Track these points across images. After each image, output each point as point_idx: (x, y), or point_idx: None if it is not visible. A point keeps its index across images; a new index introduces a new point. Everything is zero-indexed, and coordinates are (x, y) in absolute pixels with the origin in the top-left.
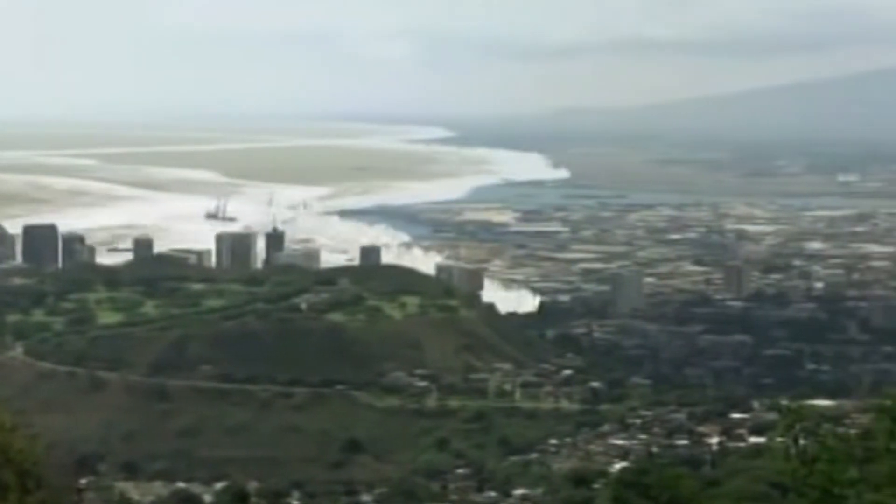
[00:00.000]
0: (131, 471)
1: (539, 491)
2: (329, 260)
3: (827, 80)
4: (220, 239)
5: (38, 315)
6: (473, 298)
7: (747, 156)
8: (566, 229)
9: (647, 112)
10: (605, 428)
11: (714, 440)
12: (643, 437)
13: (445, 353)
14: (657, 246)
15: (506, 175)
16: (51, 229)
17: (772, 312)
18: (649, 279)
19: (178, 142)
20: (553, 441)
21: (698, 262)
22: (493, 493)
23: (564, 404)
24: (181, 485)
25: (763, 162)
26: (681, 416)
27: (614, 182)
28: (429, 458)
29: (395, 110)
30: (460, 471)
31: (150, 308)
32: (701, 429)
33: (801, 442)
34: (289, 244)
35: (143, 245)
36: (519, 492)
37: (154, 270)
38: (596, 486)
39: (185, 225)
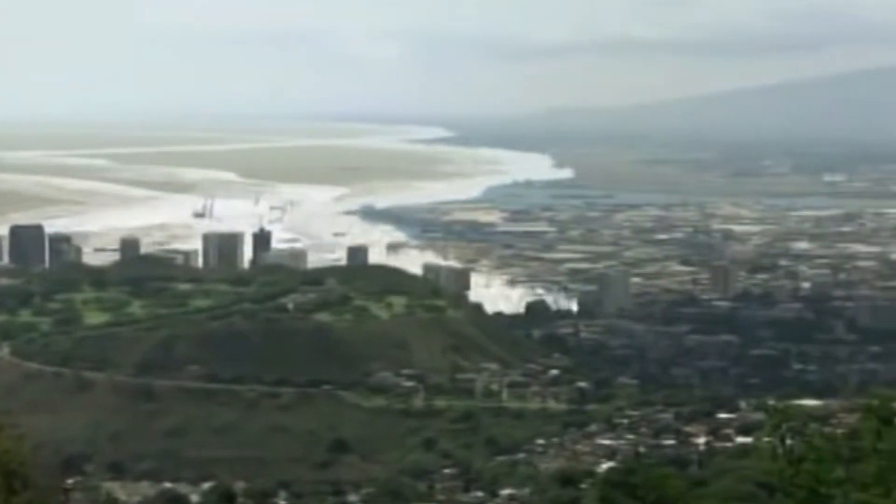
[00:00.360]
0: (118, 471)
1: (526, 491)
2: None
3: (813, 81)
4: (206, 239)
5: (25, 315)
6: (460, 298)
7: (734, 156)
8: (553, 229)
9: (635, 112)
10: (592, 428)
11: (701, 440)
12: (630, 436)
13: (432, 353)
14: (644, 246)
15: (514, 175)
16: (37, 230)
17: (758, 312)
18: (636, 279)
19: (184, 142)
20: (540, 441)
21: (685, 262)
22: (480, 493)
23: (551, 404)
24: (168, 485)
25: (750, 162)
26: (668, 416)
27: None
28: (416, 458)
29: (387, 110)
30: (447, 471)
31: (136, 308)
32: (688, 429)
33: (788, 442)
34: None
35: (129, 245)
36: (506, 492)
37: (141, 270)
38: (583, 485)
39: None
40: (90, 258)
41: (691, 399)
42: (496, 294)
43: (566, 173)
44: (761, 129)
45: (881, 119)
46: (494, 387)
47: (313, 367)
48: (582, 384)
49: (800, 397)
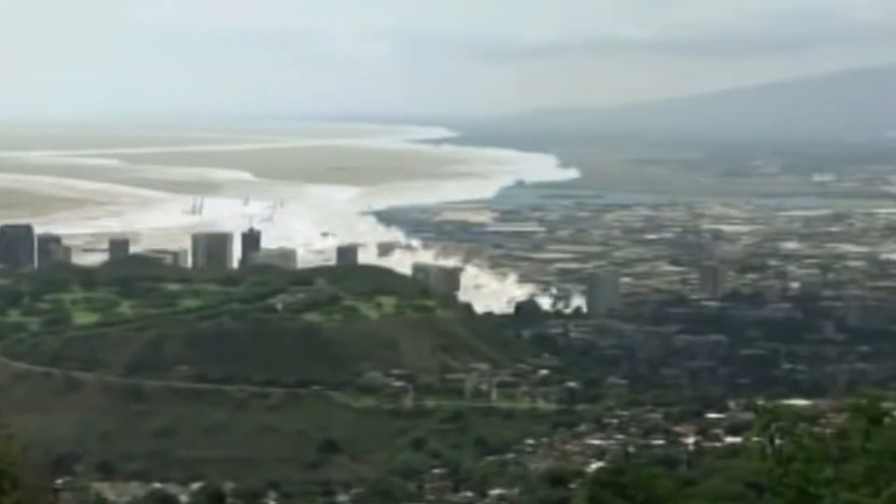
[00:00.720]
0: (107, 471)
1: (515, 491)
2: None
3: (802, 80)
4: (195, 239)
5: (14, 315)
6: (450, 298)
7: (723, 156)
8: (543, 229)
9: (624, 112)
10: (582, 428)
11: (690, 440)
12: (620, 436)
13: (422, 353)
14: (633, 246)
15: (524, 175)
16: (26, 230)
17: (748, 312)
18: (626, 279)
19: (188, 142)
20: (529, 441)
21: (674, 262)
22: (469, 493)
23: (541, 404)
24: (157, 485)
25: (739, 162)
26: (657, 416)
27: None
28: (405, 458)
29: (377, 110)
30: (437, 471)
31: (126, 308)
32: (677, 428)
33: (777, 441)
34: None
35: (118, 245)
36: (495, 492)
37: (130, 271)
38: (572, 485)
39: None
40: (79, 258)
41: (681, 399)
42: (509, 293)
43: (572, 173)
44: (751, 129)
45: (870, 119)
46: (484, 387)
47: (303, 368)
48: (571, 384)
49: (789, 397)
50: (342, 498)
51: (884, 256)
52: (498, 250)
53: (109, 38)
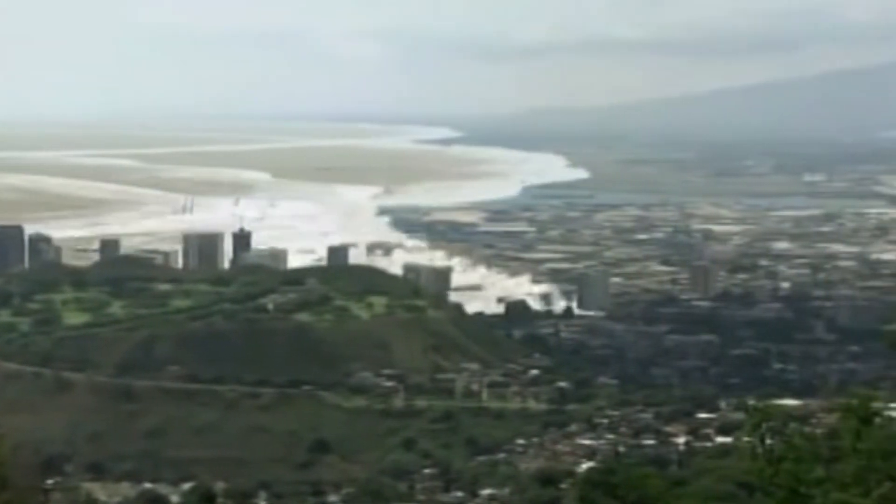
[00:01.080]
0: (98, 471)
1: (506, 491)
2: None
3: (794, 80)
4: (186, 239)
5: (5, 316)
6: (441, 299)
7: (714, 156)
8: (533, 229)
9: (615, 112)
10: (573, 428)
11: (681, 440)
12: (610, 436)
13: (413, 353)
14: (624, 246)
15: (539, 175)
16: (17, 230)
17: (738, 312)
18: (616, 279)
19: (196, 143)
20: (520, 441)
21: (665, 262)
22: (460, 493)
23: (531, 404)
24: (148, 485)
25: (730, 162)
26: (648, 416)
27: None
28: (396, 458)
29: (372, 110)
30: (427, 471)
31: (116, 308)
32: (668, 428)
33: (768, 441)
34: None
35: (109, 246)
36: (486, 492)
37: (120, 271)
38: (563, 485)
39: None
40: (70, 259)
41: (671, 399)
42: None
43: (581, 173)
44: (742, 129)
45: (862, 119)
46: (475, 387)
47: (294, 368)
48: (562, 384)
49: (780, 397)
50: (333, 498)
51: (874, 256)
52: (488, 250)
53: (105, 38)
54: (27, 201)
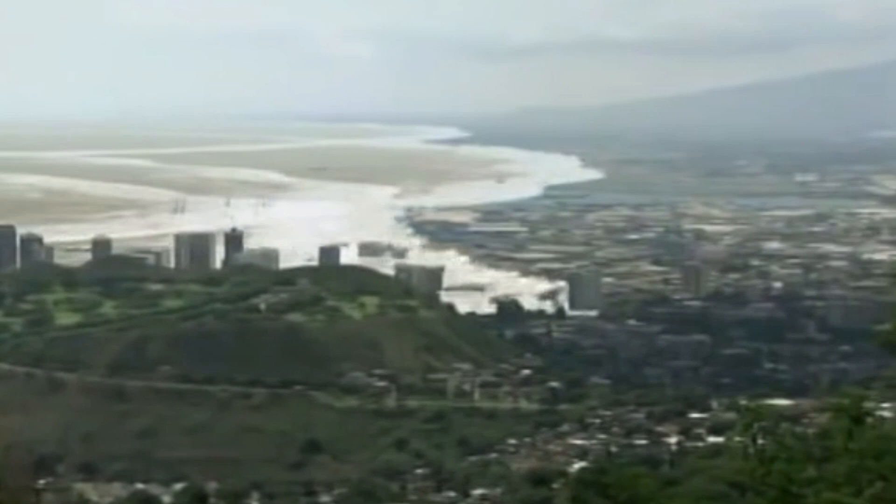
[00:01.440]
0: (90, 472)
1: (498, 491)
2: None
3: (785, 81)
4: (178, 239)
5: None
6: (433, 299)
7: (706, 156)
8: (524, 229)
9: (607, 112)
10: (564, 428)
11: (673, 440)
12: (602, 436)
13: (404, 353)
14: (615, 246)
15: (558, 175)
16: (8, 230)
17: (730, 312)
18: (608, 279)
19: (204, 143)
20: (512, 441)
21: (656, 262)
22: (452, 494)
23: (523, 404)
24: (140, 486)
25: (721, 162)
26: (639, 416)
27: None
28: (388, 458)
29: (367, 110)
30: (419, 471)
31: (108, 309)
32: (660, 428)
33: (760, 441)
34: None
35: (101, 245)
36: (478, 492)
37: (112, 271)
38: (555, 485)
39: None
40: (62, 259)
41: (663, 399)
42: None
43: (595, 174)
44: (734, 129)
45: (853, 119)
46: (466, 387)
47: (285, 368)
48: (554, 384)
49: (771, 397)
50: (325, 498)
51: (866, 256)
52: (480, 250)
53: (99, 39)
54: (68, 202)
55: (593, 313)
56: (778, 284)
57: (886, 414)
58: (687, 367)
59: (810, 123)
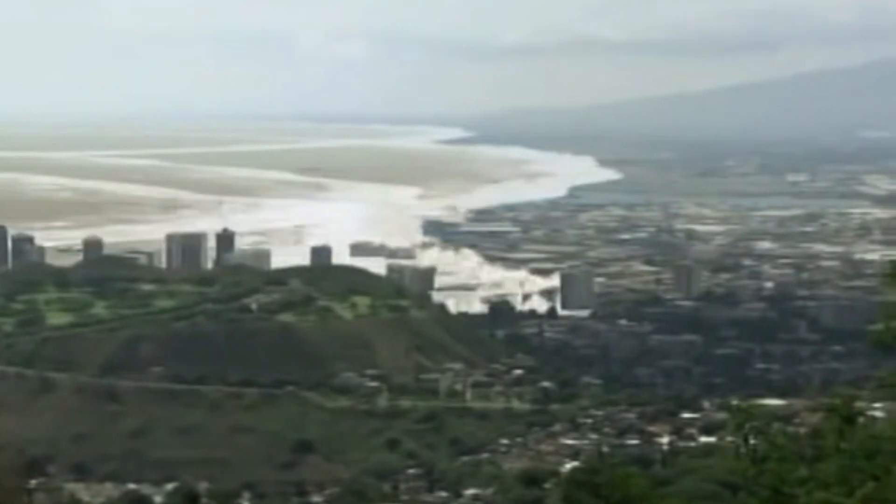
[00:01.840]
0: (81, 472)
1: (490, 491)
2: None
3: (777, 81)
4: (170, 239)
5: None
6: (424, 299)
7: (697, 156)
8: (517, 229)
9: (598, 112)
10: (556, 427)
11: (665, 439)
12: (594, 436)
13: (396, 353)
14: (607, 246)
15: (578, 175)
16: None
17: (722, 312)
18: (599, 279)
19: (209, 143)
20: (504, 441)
21: (648, 262)
22: (444, 493)
23: (515, 404)
24: (132, 486)
25: (713, 162)
26: (631, 416)
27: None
28: (380, 458)
29: (361, 110)
30: (411, 471)
31: (100, 309)
32: (651, 428)
33: (752, 441)
34: None
35: (93, 245)
36: (470, 492)
37: (104, 271)
38: (547, 485)
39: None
40: (53, 259)
41: (655, 398)
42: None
43: (612, 173)
44: (725, 129)
45: (844, 119)
46: (458, 387)
47: (277, 368)
48: (546, 384)
49: (763, 397)
50: (316, 498)
51: (857, 256)
52: (472, 250)
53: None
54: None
55: (585, 313)
56: (769, 284)
57: (878, 414)
58: (679, 367)
59: (801, 123)
